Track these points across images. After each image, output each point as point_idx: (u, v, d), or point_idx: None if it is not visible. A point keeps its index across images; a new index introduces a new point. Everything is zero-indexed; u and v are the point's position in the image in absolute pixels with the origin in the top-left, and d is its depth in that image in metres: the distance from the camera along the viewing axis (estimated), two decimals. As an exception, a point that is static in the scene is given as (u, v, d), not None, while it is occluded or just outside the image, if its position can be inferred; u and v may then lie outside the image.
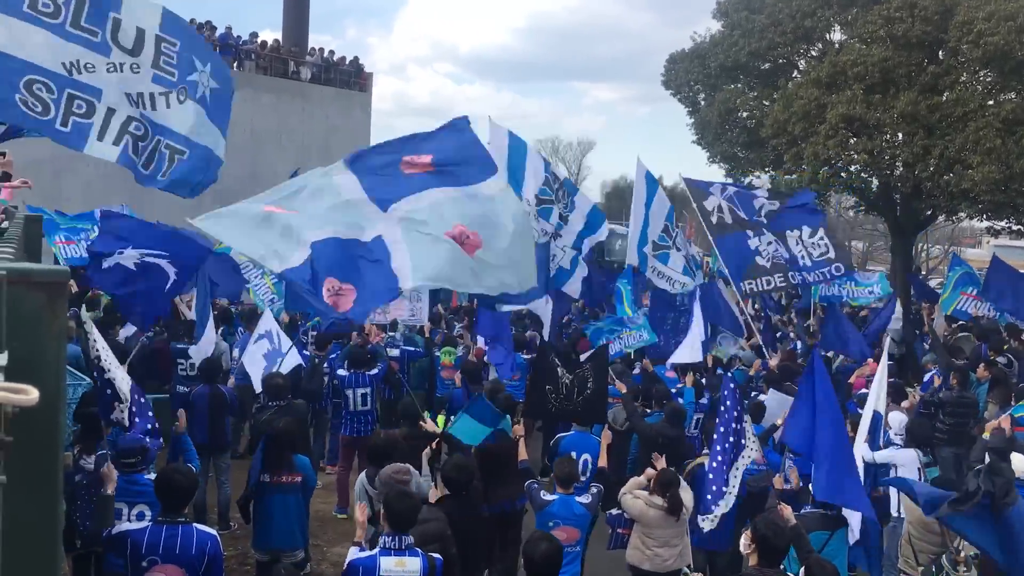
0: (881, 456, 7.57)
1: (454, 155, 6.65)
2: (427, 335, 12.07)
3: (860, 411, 8.91)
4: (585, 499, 6.11)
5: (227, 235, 6.11)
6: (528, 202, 10.34)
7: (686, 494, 6.28)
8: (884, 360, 7.66)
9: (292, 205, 6.10)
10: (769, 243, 11.39)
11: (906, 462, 6.97)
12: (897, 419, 8.36)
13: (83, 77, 6.37)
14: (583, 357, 8.64)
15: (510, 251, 6.61)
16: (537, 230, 10.49)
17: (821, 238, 11.48)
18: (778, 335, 14.51)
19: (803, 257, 11.38)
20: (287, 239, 5.85)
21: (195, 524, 4.85)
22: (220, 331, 10.77)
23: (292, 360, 9.51)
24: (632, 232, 11.09)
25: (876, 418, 7.18)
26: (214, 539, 4.81)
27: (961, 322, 14.32)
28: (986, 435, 7.54)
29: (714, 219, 11.70)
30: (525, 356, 11.42)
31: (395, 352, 10.92)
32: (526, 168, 10.26)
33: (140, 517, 5.32)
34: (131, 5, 6.59)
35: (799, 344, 13.61)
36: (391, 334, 11.91)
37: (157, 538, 4.59)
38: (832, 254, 11.44)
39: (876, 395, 7.07)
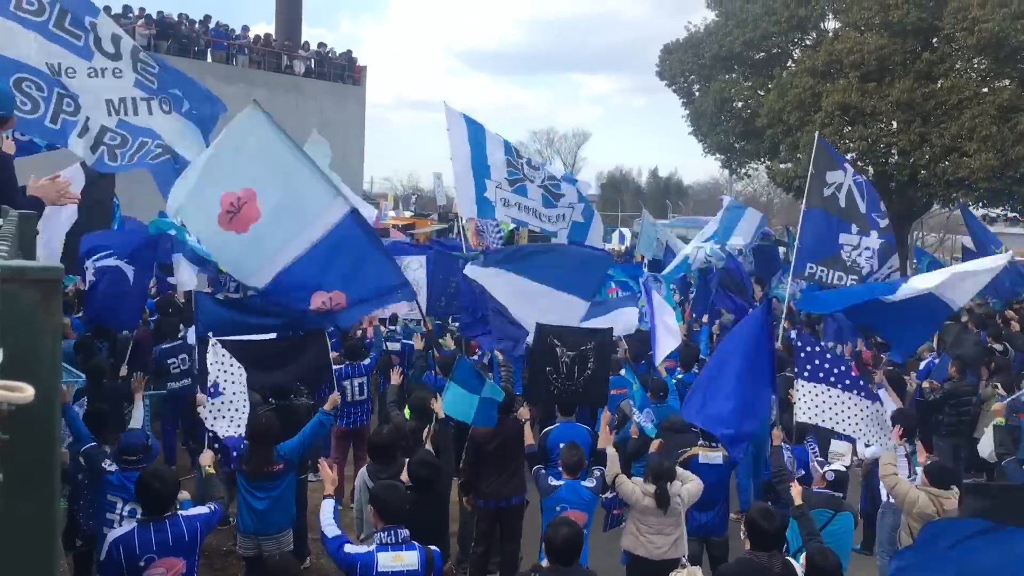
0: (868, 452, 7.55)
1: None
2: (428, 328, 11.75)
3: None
4: (590, 483, 6.24)
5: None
6: (501, 185, 10.36)
7: (691, 484, 6.26)
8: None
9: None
10: (867, 248, 10.45)
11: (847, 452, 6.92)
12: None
13: (63, 80, 6.42)
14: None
15: (289, 185, 6.13)
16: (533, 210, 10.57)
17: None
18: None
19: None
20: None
21: (179, 512, 4.85)
22: None
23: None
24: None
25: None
26: (201, 518, 4.88)
27: None
28: (999, 420, 7.54)
29: (827, 192, 10.51)
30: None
31: (396, 346, 10.74)
32: (487, 155, 10.28)
33: (132, 514, 5.28)
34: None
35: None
36: (392, 328, 11.75)
37: (147, 536, 4.60)
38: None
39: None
